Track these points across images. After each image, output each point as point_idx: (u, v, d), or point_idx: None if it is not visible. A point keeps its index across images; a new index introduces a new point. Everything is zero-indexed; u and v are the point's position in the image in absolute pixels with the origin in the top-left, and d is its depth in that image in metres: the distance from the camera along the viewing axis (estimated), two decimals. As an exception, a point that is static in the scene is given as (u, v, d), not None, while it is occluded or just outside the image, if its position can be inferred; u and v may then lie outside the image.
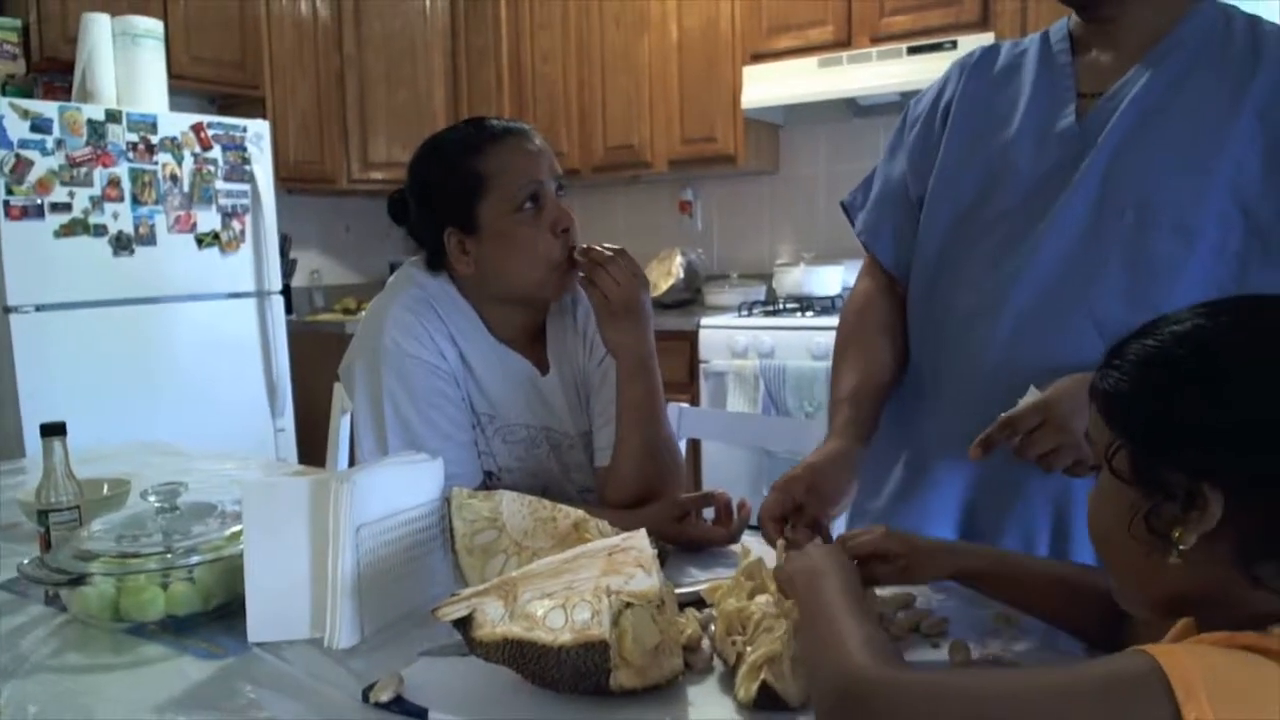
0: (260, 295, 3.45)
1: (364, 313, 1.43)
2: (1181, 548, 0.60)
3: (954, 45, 3.01)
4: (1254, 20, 1.07)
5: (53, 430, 1.20)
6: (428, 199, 1.33)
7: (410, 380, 1.29)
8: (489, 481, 1.34)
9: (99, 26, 3.11)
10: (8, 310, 2.83)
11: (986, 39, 2.96)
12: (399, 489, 1.04)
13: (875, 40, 3.20)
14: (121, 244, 3.06)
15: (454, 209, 1.30)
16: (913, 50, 3.09)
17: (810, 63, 3.29)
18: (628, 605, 0.81)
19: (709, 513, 1.28)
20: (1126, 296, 1.03)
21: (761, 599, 0.84)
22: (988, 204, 1.14)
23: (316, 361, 3.33)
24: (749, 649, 0.81)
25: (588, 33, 3.86)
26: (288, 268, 4.02)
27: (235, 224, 3.36)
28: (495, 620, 0.81)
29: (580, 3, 3.87)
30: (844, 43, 3.26)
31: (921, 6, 3.11)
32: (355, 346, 1.35)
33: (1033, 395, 0.98)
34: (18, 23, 3.20)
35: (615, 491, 1.31)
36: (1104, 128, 1.06)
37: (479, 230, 1.29)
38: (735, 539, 1.24)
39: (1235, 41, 1.05)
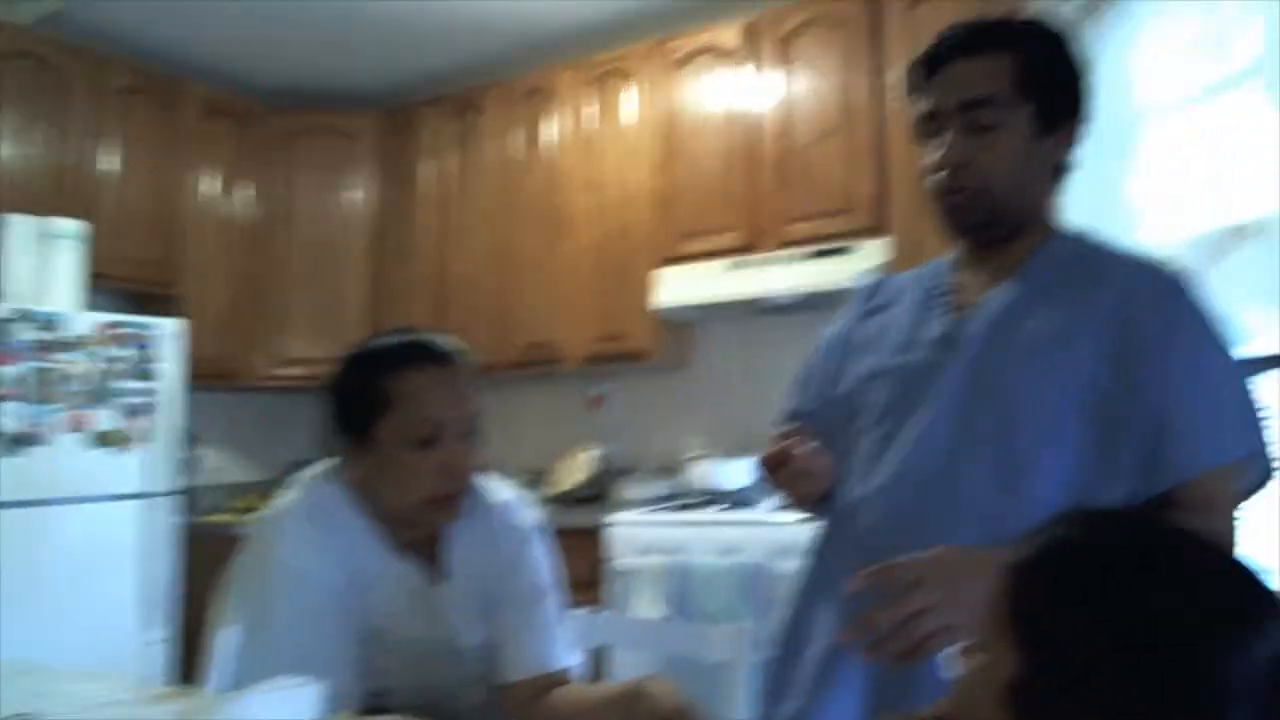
0: (150, 497, 3.32)
1: (255, 519, 1.39)
2: None
3: (853, 250, 3.19)
4: (1103, 247, 1.21)
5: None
6: (335, 400, 1.32)
7: (297, 594, 1.24)
8: (378, 701, 1.27)
9: (19, 228, 3.13)
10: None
11: (883, 244, 3.15)
12: (274, 715, 0.97)
13: (780, 245, 3.37)
14: (15, 444, 2.94)
15: (354, 418, 1.29)
16: (815, 255, 3.26)
17: (720, 265, 3.44)
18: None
19: None
20: (995, 487, 1.09)
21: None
22: (871, 407, 1.22)
23: (216, 565, 3.17)
24: None
25: (506, 236, 3.99)
26: (191, 466, 3.89)
27: (136, 422, 3.27)
28: None
29: (500, 208, 4.02)
30: (751, 247, 3.43)
31: (821, 215, 3.30)
32: (242, 556, 1.30)
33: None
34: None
35: None
36: (970, 335, 1.17)
37: (372, 446, 1.28)
38: None
39: (1086, 262, 1.19)
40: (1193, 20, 2.68)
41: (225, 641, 1.28)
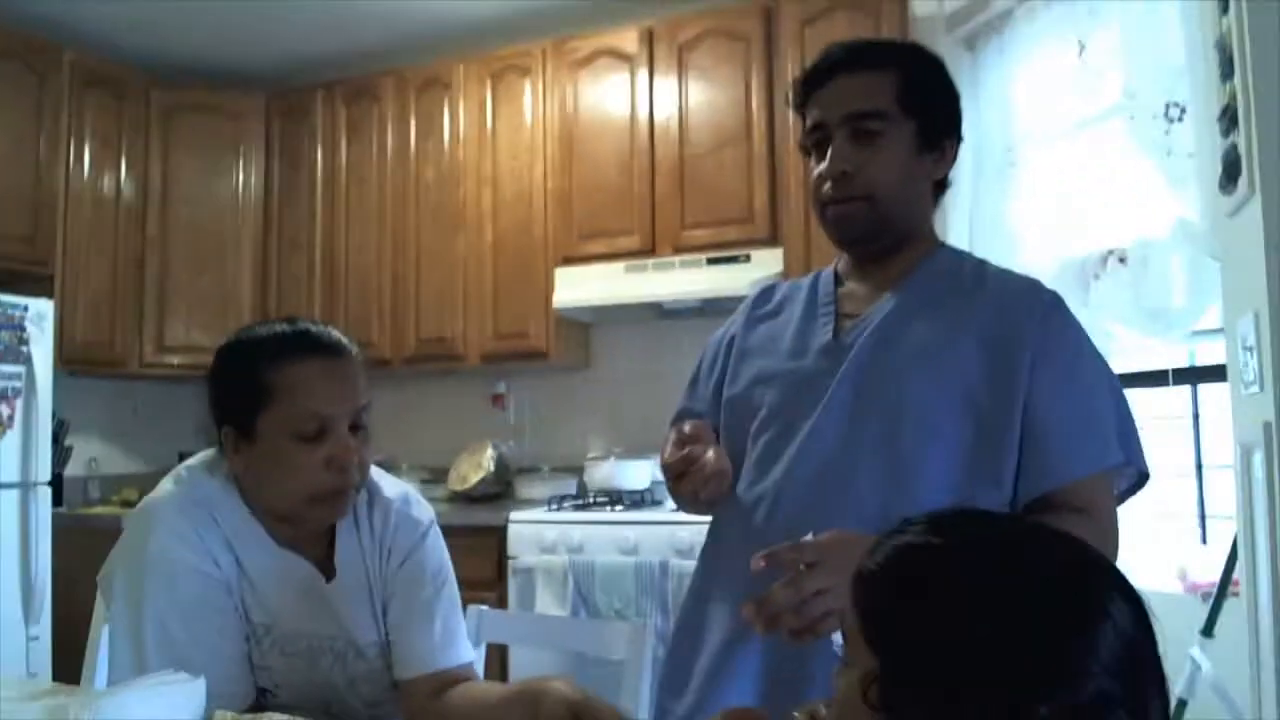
0: (25, 486, 3.15)
1: (131, 511, 1.33)
2: None
3: (748, 259, 3.27)
4: (982, 263, 1.29)
5: None
6: (215, 390, 1.28)
7: (176, 589, 1.20)
8: (263, 699, 1.24)
9: None
10: None
11: (776, 254, 3.24)
12: (151, 713, 0.94)
13: (678, 250, 3.42)
14: None
15: (236, 410, 1.25)
16: (711, 261, 3.32)
17: (618, 268, 3.47)
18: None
19: None
20: (882, 488, 1.14)
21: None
22: (762, 410, 1.26)
23: (87, 560, 3.03)
24: None
25: (403, 228, 3.93)
26: (61, 455, 3.71)
27: (4, 408, 3.10)
28: None
29: (397, 198, 3.95)
30: (649, 251, 3.47)
31: (719, 222, 3.37)
32: (117, 550, 1.26)
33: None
34: None
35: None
36: (855, 344, 1.22)
37: (254, 438, 1.24)
38: None
39: (965, 277, 1.26)
40: (1067, 58, 2.84)
41: (103, 637, 1.24)
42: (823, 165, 1.23)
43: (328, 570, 1.32)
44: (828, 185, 1.23)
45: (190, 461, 1.33)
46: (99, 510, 3.85)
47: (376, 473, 1.40)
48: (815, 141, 1.26)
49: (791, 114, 1.38)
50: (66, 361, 3.63)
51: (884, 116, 1.21)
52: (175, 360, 4.03)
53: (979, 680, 0.60)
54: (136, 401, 4.33)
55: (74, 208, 3.78)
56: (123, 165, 3.99)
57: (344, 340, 1.30)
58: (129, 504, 3.92)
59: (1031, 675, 0.59)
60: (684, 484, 1.21)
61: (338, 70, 4.23)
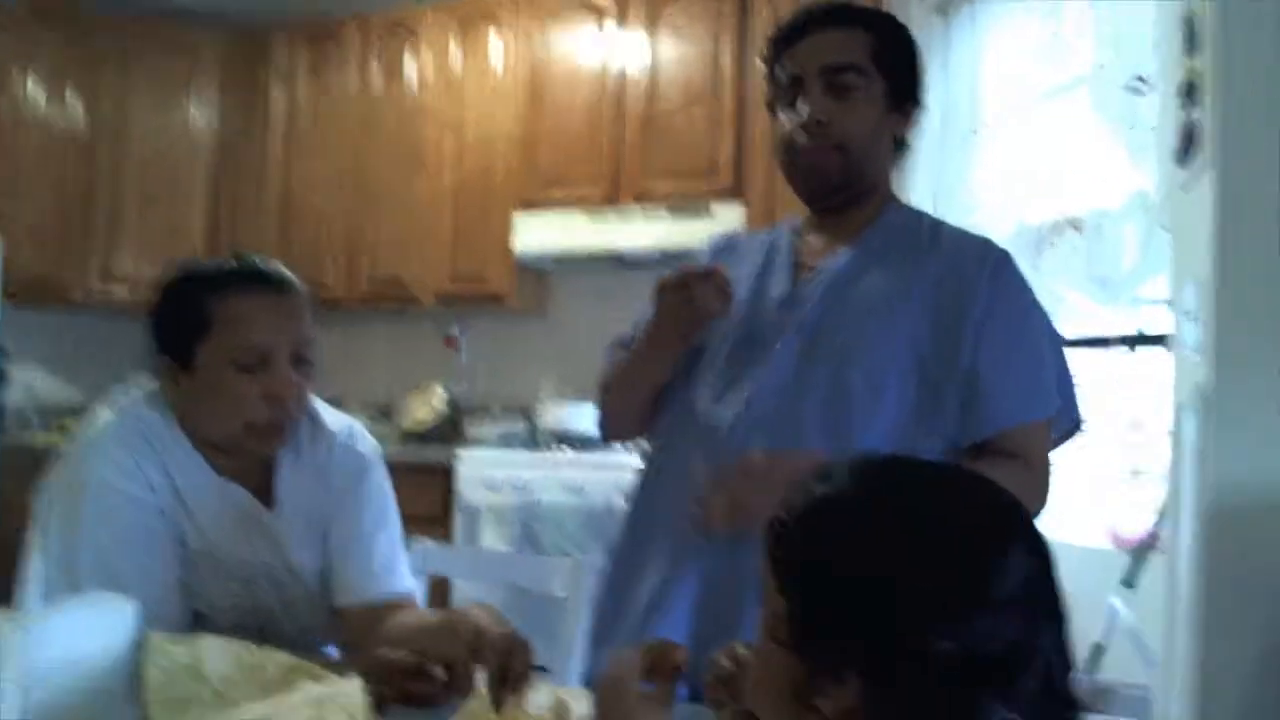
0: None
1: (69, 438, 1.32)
2: (824, 717, 0.62)
3: (710, 212, 3.25)
4: (938, 222, 1.32)
5: None
6: (157, 320, 1.27)
7: (111, 516, 1.19)
8: (199, 623, 1.24)
9: None
10: None
11: (738, 209, 3.23)
12: (83, 634, 0.94)
13: (640, 200, 3.40)
14: None
15: (176, 339, 1.24)
16: (673, 212, 3.31)
17: (580, 216, 3.45)
18: (330, 759, 0.76)
19: None
20: (826, 438, 1.16)
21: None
22: (719, 350, 1.28)
23: (24, 487, 2.99)
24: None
25: (360, 167, 3.87)
26: (4, 382, 3.64)
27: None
28: (176, 781, 0.73)
29: (355, 137, 3.88)
30: (612, 200, 3.45)
31: (682, 173, 3.36)
32: (54, 476, 1.25)
33: None
34: None
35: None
36: (810, 295, 1.25)
37: (194, 369, 1.23)
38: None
39: (921, 233, 1.28)
40: (1037, 28, 2.84)
41: (37, 562, 1.23)
42: (799, 115, 1.24)
43: (268, 500, 1.31)
44: (801, 134, 1.24)
45: (129, 392, 1.32)
46: (39, 438, 3.79)
47: (320, 405, 1.39)
48: (789, 95, 1.27)
49: (762, 73, 1.38)
50: (10, 293, 3.56)
51: (860, 71, 1.24)
52: (122, 292, 3.95)
53: (879, 617, 0.61)
54: (83, 332, 4.26)
55: (22, 138, 3.70)
56: (72, 97, 3.89)
57: (290, 276, 1.30)
58: (71, 433, 3.85)
59: (931, 612, 0.60)
60: (685, 295, 1.20)
61: (299, 11, 4.13)
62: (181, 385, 1.24)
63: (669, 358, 1.29)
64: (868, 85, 1.25)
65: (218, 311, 1.22)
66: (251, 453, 1.28)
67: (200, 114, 4.11)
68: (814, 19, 1.27)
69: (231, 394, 1.22)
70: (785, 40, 1.28)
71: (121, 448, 1.23)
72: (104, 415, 1.28)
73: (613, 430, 1.43)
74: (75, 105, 3.90)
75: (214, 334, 1.21)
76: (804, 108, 1.24)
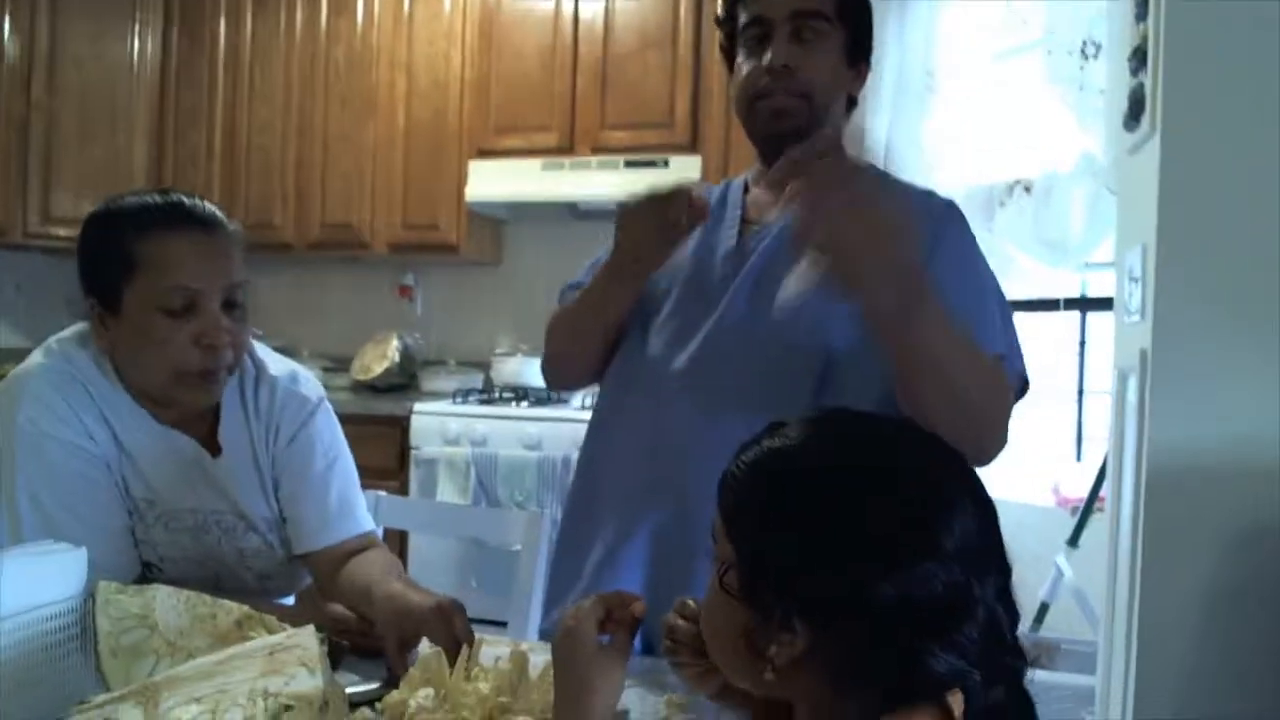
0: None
1: None
2: (775, 665, 0.65)
3: (666, 164, 3.24)
4: (883, 173, 1.34)
5: None
6: (82, 261, 1.22)
7: (50, 464, 1.16)
8: (149, 574, 1.23)
9: None
10: None
11: (695, 161, 3.21)
12: (31, 583, 0.92)
13: (596, 150, 3.37)
14: None
15: (99, 281, 1.19)
16: (629, 164, 3.29)
17: (534, 164, 3.41)
18: (286, 708, 0.77)
19: None
20: (774, 382, 1.17)
21: (422, 693, 0.82)
22: (668, 303, 1.27)
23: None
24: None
25: (310, 109, 3.77)
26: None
27: None
28: (130, 730, 0.74)
29: (304, 78, 3.78)
30: (567, 149, 3.41)
31: (638, 125, 3.33)
32: None
33: None
34: None
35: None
36: (755, 249, 1.25)
37: (120, 312, 1.18)
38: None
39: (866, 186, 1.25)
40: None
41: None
42: (762, 59, 1.23)
43: (212, 447, 1.29)
44: (765, 79, 1.23)
45: (62, 334, 1.27)
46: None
47: (263, 351, 1.37)
48: (753, 38, 1.25)
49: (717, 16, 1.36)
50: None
51: (827, 19, 1.24)
52: (62, 232, 3.82)
53: (825, 566, 0.63)
54: (20, 275, 4.12)
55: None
56: (6, 22, 3.71)
57: (219, 214, 1.24)
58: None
59: (873, 558, 0.62)
60: (658, 210, 1.18)
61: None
62: (110, 329, 1.20)
63: (627, 294, 1.27)
64: (832, 34, 1.24)
65: (141, 252, 1.16)
66: (184, 403, 1.24)
67: (141, 45, 3.94)
68: None
69: (159, 339, 1.17)
70: None
71: (54, 392, 1.19)
72: (35, 358, 1.24)
73: (559, 374, 1.40)
74: (9, 32, 3.72)
75: (138, 276, 1.16)
76: (770, 52, 1.23)
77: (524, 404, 3.32)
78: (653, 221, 1.19)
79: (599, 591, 1.18)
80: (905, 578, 0.61)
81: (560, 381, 1.45)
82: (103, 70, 3.91)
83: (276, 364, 1.37)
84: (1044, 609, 2.39)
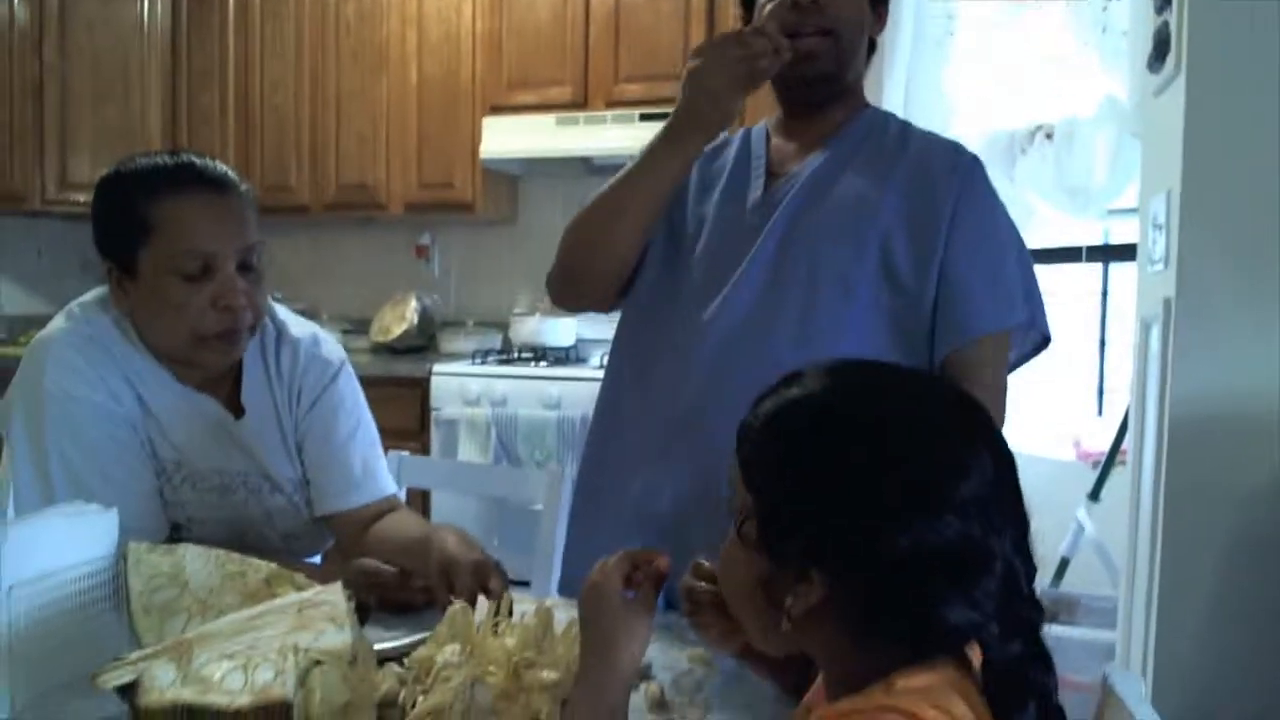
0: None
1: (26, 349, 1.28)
2: (792, 616, 0.65)
3: (682, 116, 3.20)
4: (906, 124, 1.30)
5: None
6: (96, 225, 1.22)
7: (78, 427, 1.18)
8: (178, 534, 1.25)
9: None
10: None
11: (711, 113, 3.17)
12: (65, 544, 0.94)
13: (610, 104, 3.33)
14: None
15: (115, 245, 1.19)
16: (644, 117, 3.25)
17: (549, 120, 3.38)
18: (316, 663, 0.78)
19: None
20: (797, 343, 1.16)
21: (449, 649, 0.84)
22: (691, 256, 1.27)
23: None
24: (421, 699, 0.80)
25: (323, 66, 3.74)
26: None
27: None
28: (165, 685, 0.75)
29: (315, 35, 3.74)
30: (580, 104, 3.38)
31: (652, 77, 3.28)
32: (13, 390, 1.22)
33: None
34: None
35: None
36: (783, 200, 1.23)
37: (137, 276, 1.19)
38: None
39: (889, 138, 1.27)
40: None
41: (7, 473, 1.21)
42: None
43: (235, 408, 1.30)
44: (792, 15, 1.19)
45: (83, 298, 1.28)
46: (7, 351, 3.73)
47: (284, 313, 1.37)
48: None
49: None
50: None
51: None
52: (80, 197, 3.83)
53: (839, 512, 0.63)
54: (41, 241, 4.15)
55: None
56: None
57: (230, 174, 1.23)
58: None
59: (889, 509, 0.62)
60: (739, 47, 1.15)
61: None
62: (128, 293, 1.20)
63: (683, 162, 1.22)
64: None
65: (154, 216, 1.16)
66: (204, 365, 1.25)
67: (151, 5, 3.91)
68: None
69: (177, 302, 1.17)
70: None
71: (78, 355, 1.20)
72: (57, 322, 1.25)
73: (573, 276, 1.33)
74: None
75: (153, 240, 1.16)
76: None
77: (543, 364, 3.33)
78: (736, 55, 1.14)
79: (624, 545, 1.20)
80: (921, 528, 0.62)
81: (572, 286, 1.36)
82: (114, 32, 3.89)
83: (298, 325, 1.38)
84: (1064, 564, 2.38)
